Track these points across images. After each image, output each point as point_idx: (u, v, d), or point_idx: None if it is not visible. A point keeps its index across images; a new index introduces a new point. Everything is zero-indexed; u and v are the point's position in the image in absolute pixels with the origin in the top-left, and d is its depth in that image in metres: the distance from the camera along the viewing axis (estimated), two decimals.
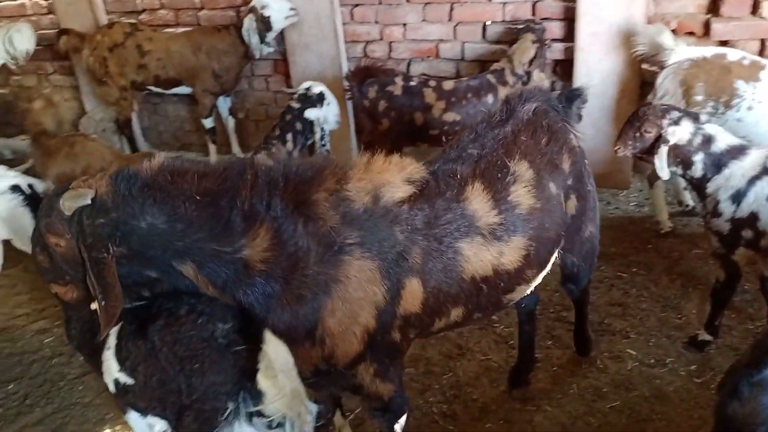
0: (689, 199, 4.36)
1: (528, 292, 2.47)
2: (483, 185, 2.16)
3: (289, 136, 3.77)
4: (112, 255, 1.85)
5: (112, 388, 2.15)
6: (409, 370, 3.25)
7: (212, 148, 5.83)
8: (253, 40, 5.04)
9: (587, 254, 2.75)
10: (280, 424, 1.98)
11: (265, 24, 4.98)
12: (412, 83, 4.26)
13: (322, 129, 3.74)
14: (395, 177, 2.08)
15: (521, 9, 4.51)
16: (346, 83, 4.38)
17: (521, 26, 4.48)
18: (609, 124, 4.56)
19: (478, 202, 2.14)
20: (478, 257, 2.13)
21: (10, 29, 5.82)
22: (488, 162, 2.22)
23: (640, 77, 4.40)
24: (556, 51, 4.68)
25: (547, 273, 2.49)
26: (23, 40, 5.83)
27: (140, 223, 1.86)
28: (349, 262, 1.95)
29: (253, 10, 4.98)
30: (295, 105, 3.87)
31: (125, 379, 2.05)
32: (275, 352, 1.82)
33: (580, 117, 2.65)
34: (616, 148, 3.14)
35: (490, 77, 4.35)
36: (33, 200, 2.21)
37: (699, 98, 3.66)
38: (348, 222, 1.96)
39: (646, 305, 3.58)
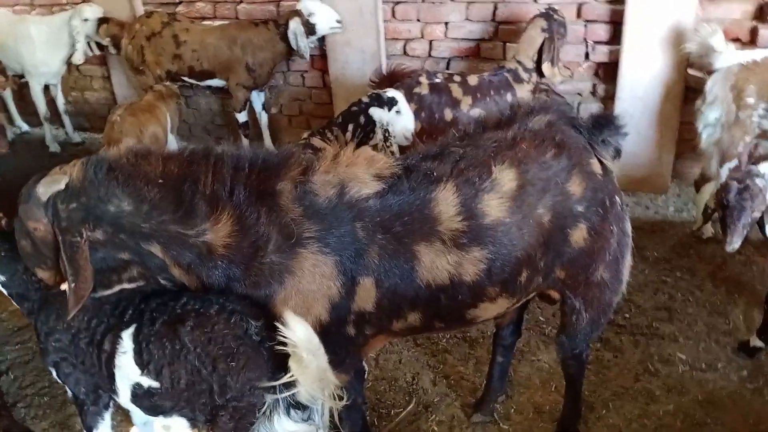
0: None
1: (496, 313, 2.32)
2: (455, 187, 2.03)
3: (351, 127, 3.73)
4: (85, 239, 1.95)
5: (127, 394, 2.12)
6: (459, 368, 3.26)
7: (245, 142, 5.82)
8: (301, 42, 5.03)
9: (594, 303, 2.35)
10: (311, 417, 1.99)
11: (309, 29, 5.00)
12: (437, 80, 4.20)
13: (387, 132, 3.67)
14: (364, 172, 2.04)
15: (566, 10, 4.47)
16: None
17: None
18: (651, 128, 4.56)
19: (445, 204, 2.01)
20: (435, 263, 2.03)
21: (78, 10, 5.84)
22: (469, 163, 2.07)
23: (684, 82, 4.40)
24: (600, 54, 4.67)
25: None
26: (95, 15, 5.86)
27: (108, 207, 1.96)
28: (304, 255, 1.97)
29: (299, 14, 4.97)
30: (365, 100, 3.83)
31: (149, 382, 2.04)
32: (297, 331, 1.81)
33: (617, 151, 2.30)
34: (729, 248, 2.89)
35: (507, 75, 4.30)
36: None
37: (751, 101, 3.65)
38: (309, 215, 1.98)
39: (692, 310, 3.58)
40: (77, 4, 6.31)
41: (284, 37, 5.15)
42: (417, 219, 2.02)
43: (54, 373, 2.26)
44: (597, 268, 2.28)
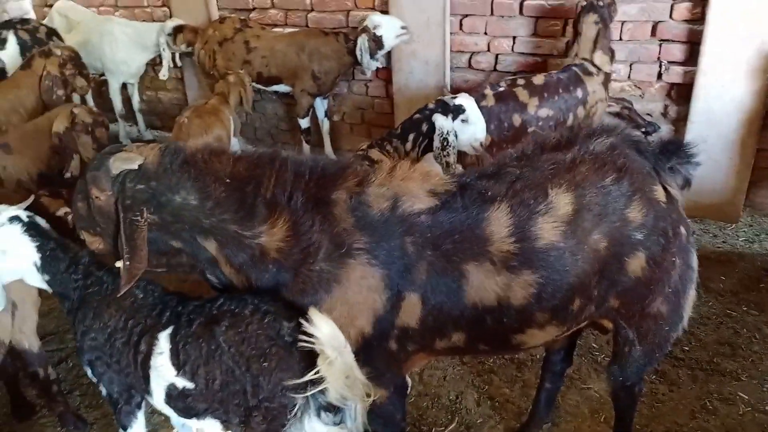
0: None
1: (544, 340, 2.23)
2: (509, 208, 1.98)
3: (411, 137, 3.63)
4: (145, 219, 1.99)
5: (161, 395, 2.13)
6: (504, 390, 3.18)
7: (306, 147, 5.90)
8: (365, 58, 5.09)
9: (648, 336, 2.24)
10: (343, 421, 1.97)
11: (377, 43, 5.04)
12: (501, 89, 4.12)
13: (446, 140, 3.49)
14: (418, 187, 2.04)
15: (640, 29, 4.37)
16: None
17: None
18: (724, 154, 4.36)
19: (497, 224, 1.97)
20: (483, 284, 1.98)
21: (163, 25, 6.11)
22: (525, 185, 2.02)
23: (765, 108, 4.18)
24: (674, 74, 4.51)
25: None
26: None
27: (175, 197, 2.02)
28: (353, 265, 1.96)
29: (365, 29, 5.03)
30: (430, 106, 3.68)
31: (183, 383, 2.06)
32: (321, 328, 1.81)
33: (686, 180, 2.22)
34: None
35: (576, 69, 4.20)
36: (33, 228, 2.37)
37: None
38: (361, 226, 1.97)
39: (758, 347, 3.38)
40: (157, 6, 6.61)
41: (352, 52, 5.21)
42: (468, 238, 1.98)
43: (89, 372, 2.31)
44: (654, 299, 2.17)
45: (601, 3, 4.19)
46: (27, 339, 2.80)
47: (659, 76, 4.58)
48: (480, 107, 3.93)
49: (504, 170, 2.10)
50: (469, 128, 3.60)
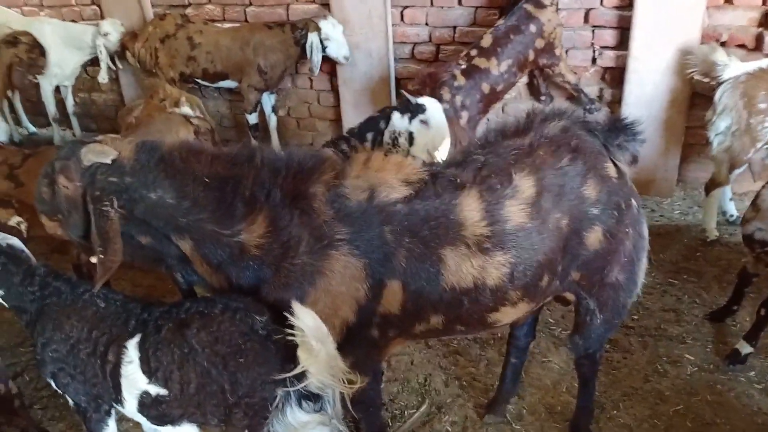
0: (734, 209, 4.41)
1: (515, 317, 2.36)
2: (479, 193, 2.09)
3: (369, 136, 3.55)
4: (115, 210, 2.00)
5: (133, 404, 2.13)
6: (470, 370, 3.31)
7: (254, 144, 5.86)
8: (315, 57, 5.11)
9: (607, 305, 2.39)
10: (323, 408, 2.03)
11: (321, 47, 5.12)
12: (464, 66, 4.28)
13: (396, 139, 3.43)
14: (393, 177, 2.10)
15: (574, 16, 4.56)
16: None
17: None
18: (656, 133, 4.61)
19: (469, 210, 2.07)
20: (460, 267, 2.07)
21: (99, 26, 5.93)
22: (491, 171, 2.13)
23: (691, 88, 4.45)
24: (607, 58, 4.73)
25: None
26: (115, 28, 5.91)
27: (150, 194, 2.03)
28: (336, 257, 2.02)
29: (317, 29, 5.05)
30: (392, 105, 3.63)
31: (157, 390, 2.07)
32: (305, 320, 1.85)
33: (634, 157, 2.37)
34: None
35: (527, 6, 4.38)
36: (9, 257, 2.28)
37: (763, 106, 3.73)
38: (341, 218, 2.03)
39: (699, 312, 3.63)
40: (86, 5, 6.39)
41: (298, 42, 5.20)
42: (443, 224, 2.07)
43: (52, 384, 2.28)
44: (612, 269, 2.32)
45: None
46: None
47: (593, 60, 4.81)
48: (455, 88, 4.10)
49: (470, 158, 2.20)
50: (428, 132, 3.43)
